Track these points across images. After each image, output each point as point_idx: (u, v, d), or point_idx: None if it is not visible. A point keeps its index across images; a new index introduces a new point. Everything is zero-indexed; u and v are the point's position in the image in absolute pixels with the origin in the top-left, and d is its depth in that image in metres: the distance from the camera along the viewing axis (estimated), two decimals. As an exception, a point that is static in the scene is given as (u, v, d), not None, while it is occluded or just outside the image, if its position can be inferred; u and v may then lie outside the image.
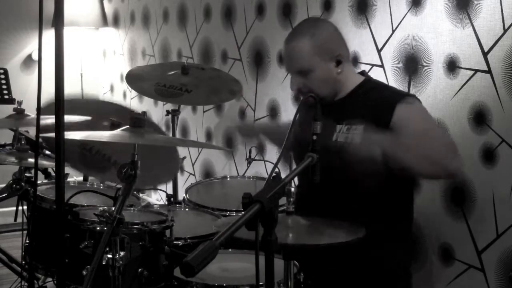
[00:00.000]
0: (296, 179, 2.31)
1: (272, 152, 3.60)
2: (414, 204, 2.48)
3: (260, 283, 1.49)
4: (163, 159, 2.49)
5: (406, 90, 2.79)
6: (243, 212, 1.45)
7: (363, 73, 2.53)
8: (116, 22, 5.42)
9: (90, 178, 3.47)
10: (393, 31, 2.86)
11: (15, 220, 2.98)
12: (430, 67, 2.70)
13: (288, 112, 3.50)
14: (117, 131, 2.11)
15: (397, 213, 2.40)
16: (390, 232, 2.37)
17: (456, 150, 2.25)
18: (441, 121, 2.65)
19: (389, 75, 2.88)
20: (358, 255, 2.23)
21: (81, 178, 3.50)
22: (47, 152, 3.21)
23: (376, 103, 2.34)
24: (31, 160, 2.89)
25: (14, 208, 2.97)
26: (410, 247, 2.59)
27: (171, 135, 3.55)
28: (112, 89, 5.55)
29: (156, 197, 4.96)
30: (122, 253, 2.03)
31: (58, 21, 1.54)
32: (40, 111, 1.87)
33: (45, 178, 3.17)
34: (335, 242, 1.92)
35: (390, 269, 2.40)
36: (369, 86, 2.44)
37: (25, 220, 2.83)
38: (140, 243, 2.24)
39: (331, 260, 2.29)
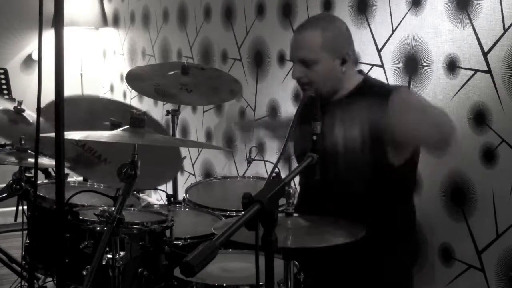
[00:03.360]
0: (297, 178, 2.31)
1: (272, 152, 3.60)
2: (414, 204, 2.48)
3: (260, 283, 1.49)
4: (165, 157, 2.49)
5: (406, 90, 2.80)
6: (243, 212, 1.45)
7: (360, 72, 2.53)
8: (116, 22, 5.42)
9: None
10: (393, 31, 2.86)
11: (15, 220, 2.97)
12: (430, 67, 2.70)
13: (288, 112, 3.50)
14: (117, 132, 2.11)
15: (397, 213, 2.40)
16: (391, 232, 2.37)
17: (453, 128, 2.29)
18: (441, 121, 2.66)
19: (389, 75, 2.88)
20: (358, 255, 2.23)
21: (81, 178, 3.50)
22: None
23: (371, 103, 2.34)
24: (31, 160, 2.89)
25: (14, 208, 2.97)
26: (412, 248, 2.59)
27: (171, 135, 3.55)
28: (112, 89, 5.55)
29: (156, 197, 4.96)
30: (122, 253, 2.03)
31: (58, 21, 1.54)
32: (40, 111, 1.87)
33: (45, 178, 3.17)
34: (335, 244, 1.92)
35: (391, 270, 2.40)
36: (367, 86, 2.44)
37: (25, 220, 2.83)
38: (140, 243, 2.24)
39: (331, 260, 2.29)
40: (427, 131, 2.19)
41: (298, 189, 2.52)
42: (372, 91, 2.39)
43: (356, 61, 2.99)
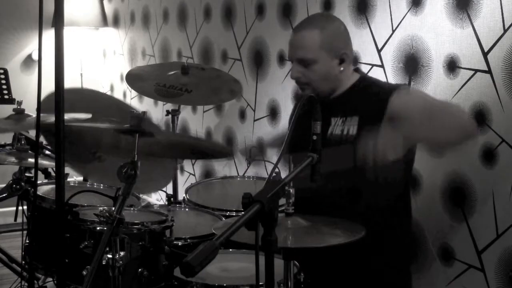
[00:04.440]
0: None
1: (272, 152, 3.59)
2: (414, 204, 2.48)
3: (260, 283, 1.49)
4: (160, 163, 2.47)
5: (406, 90, 2.80)
6: (243, 212, 1.45)
7: (357, 70, 2.53)
8: (116, 22, 5.42)
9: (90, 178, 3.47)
10: (393, 31, 2.86)
11: (15, 220, 2.98)
12: (430, 67, 2.70)
13: (288, 112, 3.50)
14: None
15: (395, 213, 2.40)
16: (389, 231, 2.37)
17: (465, 115, 2.33)
18: (441, 121, 2.66)
19: (389, 75, 2.88)
20: (358, 255, 2.23)
21: (81, 178, 3.50)
22: (47, 152, 3.21)
23: (370, 97, 2.35)
24: (31, 160, 2.89)
25: (14, 208, 2.97)
26: (410, 246, 2.60)
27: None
28: (112, 89, 5.55)
29: (156, 197, 4.96)
30: (122, 253, 2.02)
31: (58, 21, 1.54)
32: (40, 111, 1.87)
33: (45, 178, 3.17)
34: (335, 244, 1.92)
35: (390, 269, 2.40)
36: (364, 83, 2.45)
37: (25, 220, 2.83)
38: (140, 243, 2.24)
39: (331, 260, 2.29)
40: (437, 132, 2.14)
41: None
42: (369, 90, 2.39)
43: (356, 61, 3.00)
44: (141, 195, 3.04)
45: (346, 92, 2.43)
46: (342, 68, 2.38)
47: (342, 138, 2.32)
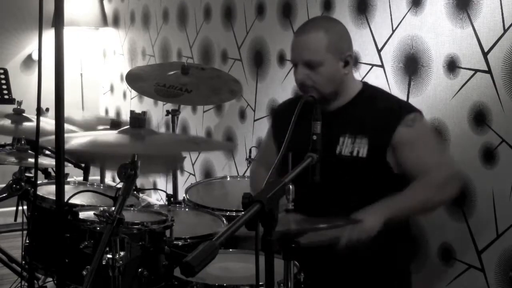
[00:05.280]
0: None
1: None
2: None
3: (260, 283, 1.49)
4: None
5: (406, 90, 2.80)
6: (243, 212, 1.45)
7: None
8: (116, 22, 5.42)
9: (90, 178, 3.47)
10: (393, 31, 2.86)
11: (15, 220, 2.98)
12: (430, 67, 2.70)
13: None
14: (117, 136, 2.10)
15: None
16: (389, 231, 2.37)
17: (453, 174, 2.36)
18: (441, 121, 2.65)
19: (389, 75, 2.88)
20: (357, 254, 2.23)
21: (81, 178, 3.50)
22: (47, 152, 3.21)
23: (378, 115, 2.34)
24: (31, 160, 2.89)
25: (14, 208, 2.97)
26: (409, 246, 2.59)
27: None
28: (112, 89, 5.55)
29: (156, 197, 4.96)
30: (122, 253, 2.02)
31: (58, 21, 1.54)
32: (40, 111, 1.87)
33: (45, 178, 3.17)
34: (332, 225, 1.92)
35: (390, 268, 2.40)
36: (369, 94, 2.43)
37: (25, 220, 2.83)
38: (140, 243, 2.24)
39: (331, 260, 2.29)
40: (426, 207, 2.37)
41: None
42: (376, 105, 2.38)
43: (356, 61, 3.00)
44: (141, 195, 3.04)
45: (352, 102, 2.41)
46: (346, 71, 2.36)
47: (352, 159, 2.32)
